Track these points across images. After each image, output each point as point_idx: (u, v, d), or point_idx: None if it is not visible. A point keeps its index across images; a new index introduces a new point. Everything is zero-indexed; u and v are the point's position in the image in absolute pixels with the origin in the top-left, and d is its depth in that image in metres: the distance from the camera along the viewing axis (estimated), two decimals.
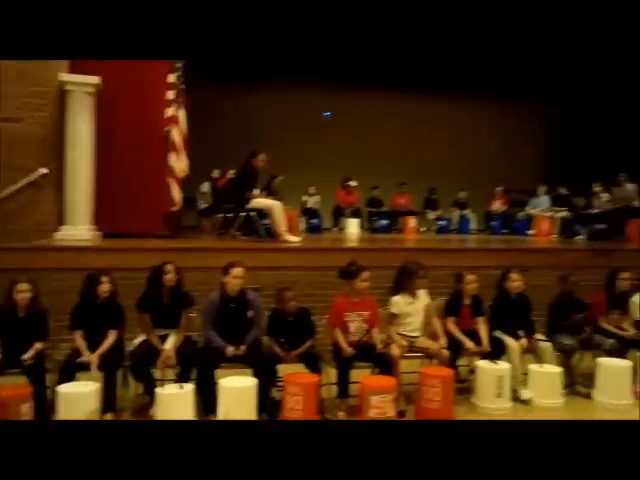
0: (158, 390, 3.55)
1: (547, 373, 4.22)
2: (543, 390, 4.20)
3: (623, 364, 4.29)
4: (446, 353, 4.18)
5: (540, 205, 10.44)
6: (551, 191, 10.60)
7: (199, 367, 3.80)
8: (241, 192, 6.40)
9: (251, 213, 6.45)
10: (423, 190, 11.38)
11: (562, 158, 12.44)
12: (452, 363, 4.33)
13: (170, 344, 3.92)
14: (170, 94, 6.50)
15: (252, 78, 11.12)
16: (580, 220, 9.44)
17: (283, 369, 3.94)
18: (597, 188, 9.33)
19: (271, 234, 6.40)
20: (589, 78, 11.41)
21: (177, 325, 4.03)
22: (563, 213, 9.86)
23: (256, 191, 7.23)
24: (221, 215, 6.97)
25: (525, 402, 4.20)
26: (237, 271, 3.94)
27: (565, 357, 4.47)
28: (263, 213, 6.49)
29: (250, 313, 4.00)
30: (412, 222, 10.60)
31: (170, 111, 6.51)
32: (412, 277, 4.28)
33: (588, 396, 4.34)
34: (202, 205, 9.38)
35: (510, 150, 12.65)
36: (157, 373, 3.86)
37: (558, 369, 4.28)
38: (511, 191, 11.62)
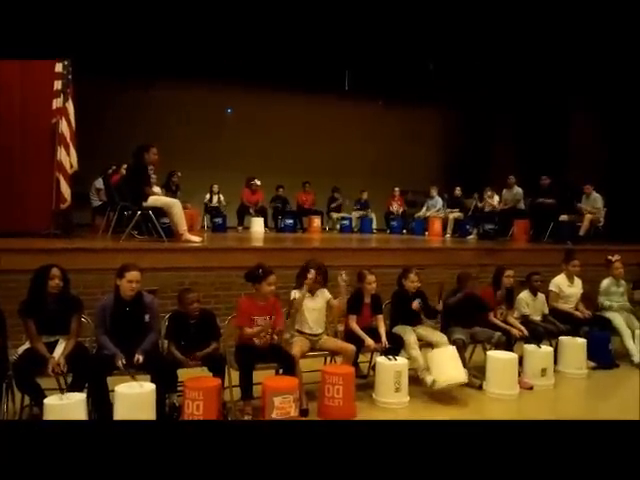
0: (47, 401, 3.29)
1: (443, 351, 4.42)
2: (444, 367, 4.32)
3: (510, 357, 4.58)
4: (353, 349, 4.26)
5: (434, 206, 10.99)
6: (447, 192, 11.20)
7: (91, 375, 3.57)
8: (137, 189, 6.10)
9: (149, 211, 6.16)
10: (327, 190, 11.56)
11: (458, 161, 13.18)
12: (354, 360, 4.43)
13: (59, 351, 3.65)
14: (57, 84, 6.07)
15: (152, 71, 10.69)
16: (471, 221, 10.03)
17: (186, 373, 3.80)
18: (489, 192, 9.96)
19: (170, 233, 6.17)
20: (487, 84, 12.24)
21: (67, 331, 3.76)
22: (456, 214, 10.42)
23: (156, 188, 6.94)
24: (114, 213, 6.58)
25: (431, 386, 4.32)
26: (132, 275, 3.74)
27: (457, 350, 4.69)
28: (162, 211, 6.23)
29: (147, 317, 3.82)
30: (316, 221, 10.75)
31: (57, 102, 6.08)
32: (309, 278, 4.30)
33: (480, 387, 4.59)
34: (96, 202, 8.85)
35: (410, 152, 13.15)
36: (48, 382, 3.58)
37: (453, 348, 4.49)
38: (408, 192, 12.15)
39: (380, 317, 4.68)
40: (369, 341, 4.39)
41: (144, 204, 6.07)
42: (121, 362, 3.56)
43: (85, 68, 6.85)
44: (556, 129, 11.05)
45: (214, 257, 5.57)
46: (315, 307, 4.38)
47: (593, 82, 10.37)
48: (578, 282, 5.77)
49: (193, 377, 3.67)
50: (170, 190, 8.85)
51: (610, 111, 10.40)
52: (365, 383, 4.59)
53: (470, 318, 4.93)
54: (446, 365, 4.34)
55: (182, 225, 6.06)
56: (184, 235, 6.02)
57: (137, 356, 3.61)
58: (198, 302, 3.97)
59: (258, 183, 10.53)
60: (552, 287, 5.65)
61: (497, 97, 12.30)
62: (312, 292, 4.38)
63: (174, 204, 6.11)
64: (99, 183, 8.88)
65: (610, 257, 5.93)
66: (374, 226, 11.46)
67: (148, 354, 3.68)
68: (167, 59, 10.50)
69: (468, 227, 9.98)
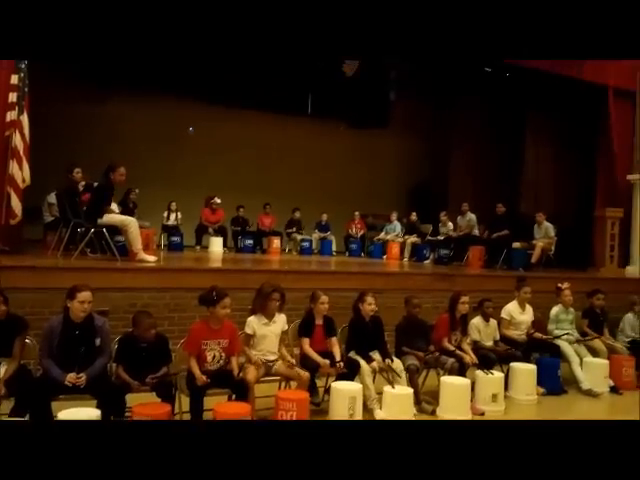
0: None
1: (399, 395, 4.39)
2: (396, 410, 4.35)
3: (462, 383, 4.63)
4: (306, 375, 4.22)
5: (393, 230, 11.17)
6: (406, 218, 11.41)
7: (33, 399, 3.42)
8: (95, 206, 5.97)
9: (103, 229, 6.02)
10: (287, 211, 11.57)
11: (417, 187, 13.45)
12: (311, 384, 4.39)
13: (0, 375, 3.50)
14: (12, 96, 5.92)
15: (111, 86, 10.54)
16: (428, 245, 10.21)
17: (135, 398, 3.68)
18: (443, 217, 10.19)
19: (125, 252, 6.03)
20: (445, 114, 12.61)
21: (9, 353, 3.61)
22: (413, 239, 10.60)
23: (114, 205, 6.81)
24: (67, 229, 6.38)
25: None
26: (84, 296, 3.62)
27: (410, 376, 4.72)
28: (116, 229, 6.09)
29: (97, 341, 3.70)
30: (276, 242, 10.71)
31: (12, 115, 5.92)
32: (266, 299, 4.28)
33: (433, 412, 4.61)
34: (48, 218, 8.56)
35: (371, 177, 13.32)
36: None
37: (410, 390, 4.48)
38: (368, 216, 12.29)
39: (334, 339, 4.67)
40: (324, 363, 4.38)
41: (99, 221, 5.93)
42: (72, 376, 3.44)
43: (41, 80, 6.71)
44: (510, 161, 11.45)
45: (169, 278, 5.47)
46: (272, 333, 4.34)
47: (547, 117, 10.84)
48: (529, 309, 5.91)
49: (141, 403, 3.57)
50: (126, 208, 8.67)
51: (561, 146, 10.87)
52: (319, 410, 4.56)
53: (417, 339, 4.98)
54: (398, 408, 4.34)
55: (137, 244, 5.94)
56: (139, 254, 5.91)
57: (80, 375, 3.49)
58: (154, 328, 3.87)
59: (218, 201, 10.44)
60: (503, 314, 5.76)
61: (454, 127, 12.70)
62: (270, 318, 4.34)
63: (130, 222, 5.99)
64: (52, 198, 8.60)
65: (560, 285, 6.08)
66: (334, 248, 11.52)
67: (95, 378, 3.56)
68: (128, 73, 10.37)
69: (425, 252, 10.14)
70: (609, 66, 9.75)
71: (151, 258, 5.98)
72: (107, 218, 5.97)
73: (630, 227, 9.67)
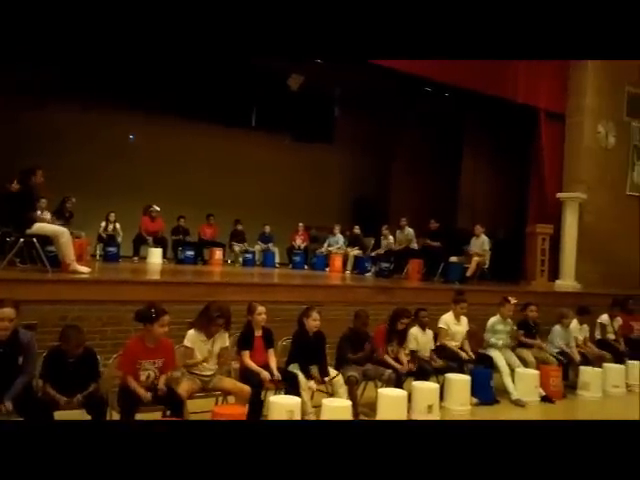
0: None
1: (337, 407, 4.35)
2: None
3: (399, 394, 4.70)
4: (248, 390, 4.16)
5: (336, 243, 11.28)
6: (349, 230, 11.57)
7: None
8: (20, 214, 5.69)
9: (33, 239, 5.74)
10: (230, 223, 11.45)
11: (360, 200, 13.66)
12: (256, 399, 4.31)
13: None
14: None
15: (50, 93, 10.13)
16: (370, 258, 10.37)
17: (64, 416, 3.52)
18: (385, 231, 10.38)
19: (57, 263, 5.78)
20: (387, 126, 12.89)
21: None
22: (356, 251, 10.74)
23: (46, 213, 6.53)
24: None
25: None
26: (6, 312, 3.43)
27: (350, 388, 4.75)
28: (48, 239, 5.83)
29: (20, 359, 3.51)
30: (218, 253, 10.56)
31: None
32: (210, 322, 4.19)
33: None
34: None
35: (315, 189, 13.42)
36: None
37: (348, 402, 4.48)
38: (311, 228, 12.35)
39: (271, 351, 4.65)
40: (264, 374, 4.34)
41: (28, 231, 5.66)
42: None
43: None
44: (448, 177, 11.84)
45: (103, 290, 5.27)
46: (210, 351, 4.24)
47: (484, 135, 11.30)
48: (464, 320, 6.07)
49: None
50: (62, 217, 8.34)
51: (497, 164, 11.34)
52: None
53: (360, 351, 5.03)
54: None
55: (70, 255, 5.70)
56: (71, 265, 5.67)
57: (5, 404, 3.31)
58: (84, 344, 3.71)
59: (157, 209, 10.17)
60: (441, 324, 5.91)
61: (396, 143, 13.06)
62: (210, 337, 4.25)
63: (62, 233, 5.74)
64: None
65: (510, 298, 6.17)
66: (277, 260, 11.47)
67: (18, 398, 3.38)
68: (67, 80, 10.03)
69: (366, 265, 10.27)
70: (540, 89, 10.29)
71: (84, 269, 5.75)
72: (37, 227, 5.71)
73: (560, 243, 10.17)
